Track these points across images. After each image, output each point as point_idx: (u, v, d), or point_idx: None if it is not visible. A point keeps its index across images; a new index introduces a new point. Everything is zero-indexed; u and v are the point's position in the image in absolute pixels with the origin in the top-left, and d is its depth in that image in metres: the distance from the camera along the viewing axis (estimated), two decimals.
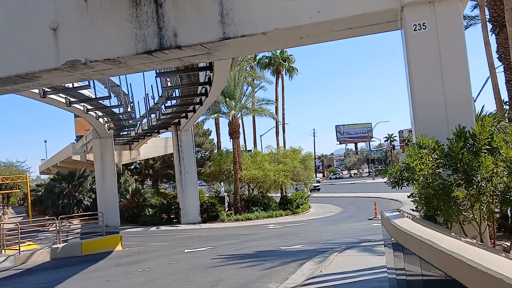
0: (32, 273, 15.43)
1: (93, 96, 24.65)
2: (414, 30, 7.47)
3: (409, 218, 5.70)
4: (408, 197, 6.52)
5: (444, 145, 6.22)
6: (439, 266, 3.27)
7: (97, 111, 28.96)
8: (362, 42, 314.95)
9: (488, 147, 6.06)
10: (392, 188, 6.39)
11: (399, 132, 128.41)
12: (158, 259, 16.40)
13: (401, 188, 6.35)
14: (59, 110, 28.91)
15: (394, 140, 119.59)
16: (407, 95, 8.37)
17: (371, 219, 32.46)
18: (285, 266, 12.39)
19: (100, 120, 31.06)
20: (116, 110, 29.66)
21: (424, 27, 7.42)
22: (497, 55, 21.17)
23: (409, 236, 3.98)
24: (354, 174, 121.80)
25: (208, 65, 18.49)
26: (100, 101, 26.60)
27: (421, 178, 6.06)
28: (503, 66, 20.49)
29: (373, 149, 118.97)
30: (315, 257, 13.24)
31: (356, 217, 34.62)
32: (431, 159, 6.24)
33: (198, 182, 59.10)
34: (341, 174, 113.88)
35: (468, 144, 6.18)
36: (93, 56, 9.18)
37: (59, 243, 20.63)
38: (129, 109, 30.54)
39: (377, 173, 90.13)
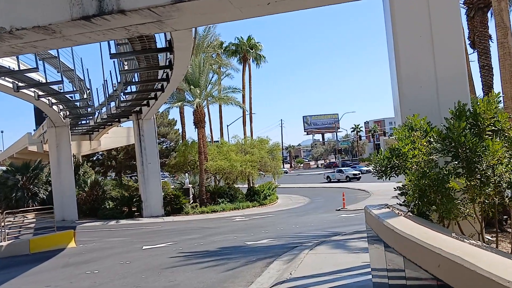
0: None
1: (44, 81, 22.68)
2: None
3: (401, 215, 4.58)
4: (396, 189, 5.39)
5: (441, 126, 5.11)
6: None
7: (49, 98, 26.91)
8: (330, 31, 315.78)
9: (493, 128, 4.98)
10: (378, 178, 5.27)
11: (365, 123, 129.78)
12: (111, 258, 14.94)
13: (389, 179, 5.21)
14: (18, 99, 26.82)
15: (360, 130, 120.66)
16: (388, 69, 7.25)
17: (339, 209, 31.92)
18: (251, 266, 11.18)
19: (54, 107, 28.97)
20: (70, 96, 27.73)
21: None
22: (469, 41, 20.43)
23: (420, 247, 2.83)
24: (321, 164, 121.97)
25: (167, 45, 17.02)
26: (52, 87, 24.64)
27: (414, 166, 4.94)
28: (476, 51, 19.74)
29: (340, 140, 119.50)
30: (283, 255, 12.08)
31: (324, 208, 34.05)
32: (424, 143, 5.13)
33: (163, 173, 57.41)
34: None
35: (468, 125, 5.09)
36: (20, 23, 7.66)
37: (4, 241, 18.85)
38: (85, 96, 28.60)
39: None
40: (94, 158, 60.06)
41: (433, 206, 4.90)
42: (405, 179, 5.09)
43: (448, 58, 6.23)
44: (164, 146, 61.79)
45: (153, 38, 16.46)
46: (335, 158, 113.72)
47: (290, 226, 23.63)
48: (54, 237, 20.29)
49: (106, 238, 22.81)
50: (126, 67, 21.01)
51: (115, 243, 20.25)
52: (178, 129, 59.84)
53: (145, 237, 21.63)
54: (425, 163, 4.94)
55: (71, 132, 41.32)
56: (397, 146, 4.98)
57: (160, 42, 17.75)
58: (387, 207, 4.95)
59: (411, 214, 4.77)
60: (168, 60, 19.94)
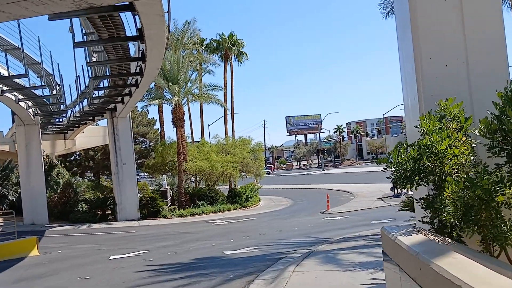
0: None
1: (6, 74, 20.71)
2: None
3: (445, 243, 3.12)
4: (423, 203, 3.89)
5: (489, 116, 3.64)
6: None
7: (15, 93, 24.91)
8: (313, 32, 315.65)
9: None
10: (400, 188, 3.81)
11: (347, 124, 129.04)
12: (71, 271, 13.22)
13: (416, 189, 3.73)
14: None
15: (343, 131, 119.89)
16: (396, 49, 5.81)
17: (323, 212, 30.85)
18: (227, 287, 9.62)
19: (22, 104, 26.92)
20: (38, 92, 25.77)
21: None
22: None
23: None
24: (304, 165, 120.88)
25: (138, 34, 15.36)
26: (18, 81, 22.70)
27: (454, 170, 3.47)
28: None
29: (322, 140, 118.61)
30: (265, 271, 10.46)
31: (308, 211, 32.94)
32: (462, 138, 3.66)
33: (143, 174, 55.39)
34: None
35: None
36: None
37: None
38: (54, 92, 26.68)
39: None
40: (72, 158, 57.96)
41: (479, 228, 3.43)
42: (437, 191, 3.60)
43: (482, 28, 4.79)
44: (144, 146, 60.21)
45: (121, 25, 14.79)
46: (318, 158, 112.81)
47: (273, 230, 22.30)
48: (15, 245, 18.47)
49: (74, 244, 21.08)
50: (94, 59, 19.27)
51: (82, 251, 18.55)
52: (158, 128, 58.06)
53: (116, 244, 19.97)
54: (472, 166, 3.50)
55: (44, 131, 39.18)
56: (428, 142, 3.50)
57: (130, 31, 16.10)
58: (418, 231, 3.47)
59: (450, 241, 3.31)
60: (140, 51, 18.29)
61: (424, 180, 3.63)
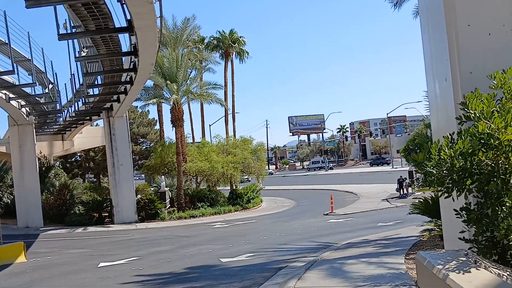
0: None
1: None
2: None
3: (507, 278, 2.04)
4: (466, 214, 2.79)
5: None
6: None
7: (5, 92, 23.87)
8: (316, 31, 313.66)
9: None
10: (442, 196, 2.71)
11: (350, 124, 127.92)
12: (52, 282, 12.17)
13: (466, 198, 2.62)
14: None
15: (346, 131, 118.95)
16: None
17: (327, 214, 29.97)
18: None
19: (13, 103, 25.89)
20: (30, 91, 24.71)
21: None
22: None
23: None
24: (307, 165, 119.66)
25: (127, 25, 14.29)
26: (5, 79, 21.64)
27: None
28: None
29: (325, 140, 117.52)
30: (263, 285, 9.24)
31: (311, 212, 32.09)
32: None
33: (143, 175, 54.40)
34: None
35: None
36: None
37: None
38: (47, 90, 25.63)
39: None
40: (72, 160, 57.26)
41: None
42: (486, 198, 2.48)
43: None
44: (144, 147, 59.49)
45: (108, 15, 13.72)
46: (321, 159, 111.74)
47: (274, 234, 21.32)
48: (1, 251, 17.44)
49: (66, 249, 20.10)
50: (83, 54, 18.23)
51: (72, 256, 17.55)
52: (159, 129, 57.29)
53: (109, 249, 18.97)
54: None
55: (40, 132, 38.19)
56: (486, 130, 2.40)
57: (120, 23, 15.02)
58: (475, 262, 2.39)
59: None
60: (132, 45, 17.24)
61: (481, 184, 2.52)
